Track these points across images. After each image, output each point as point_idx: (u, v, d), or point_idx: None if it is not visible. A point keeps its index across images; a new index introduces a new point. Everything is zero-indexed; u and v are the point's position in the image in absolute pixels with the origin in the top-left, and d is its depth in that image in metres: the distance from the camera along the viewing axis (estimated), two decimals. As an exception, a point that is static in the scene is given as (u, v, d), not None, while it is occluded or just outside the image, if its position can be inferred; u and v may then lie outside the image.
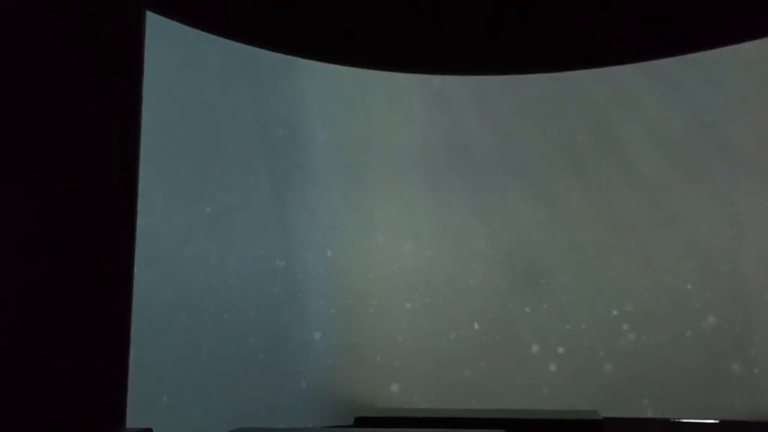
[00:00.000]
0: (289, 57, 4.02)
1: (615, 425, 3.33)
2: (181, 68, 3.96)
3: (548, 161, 4.25)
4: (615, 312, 4.11)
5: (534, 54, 4.03)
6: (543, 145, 4.26)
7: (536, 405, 3.99)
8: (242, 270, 4.03)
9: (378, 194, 4.31)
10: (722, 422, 3.84)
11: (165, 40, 3.81)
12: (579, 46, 3.95)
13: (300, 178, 4.19)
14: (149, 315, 3.41)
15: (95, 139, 2.17)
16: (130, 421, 2.25)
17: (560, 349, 4.13)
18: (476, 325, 4.24)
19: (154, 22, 2.50)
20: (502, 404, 4.00)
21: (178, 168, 3.96)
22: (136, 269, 2.34)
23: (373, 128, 4.32)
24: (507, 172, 4.24)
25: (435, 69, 4.19)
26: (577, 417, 3.28)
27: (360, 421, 3.38)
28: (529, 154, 4.31)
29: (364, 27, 3.84)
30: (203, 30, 3.80)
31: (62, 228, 2.08)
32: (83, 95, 2.14)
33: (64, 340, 2.07)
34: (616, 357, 4.07)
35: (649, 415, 3.92)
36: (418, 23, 3.77)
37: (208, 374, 3.84)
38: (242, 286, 4.01)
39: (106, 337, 2.18)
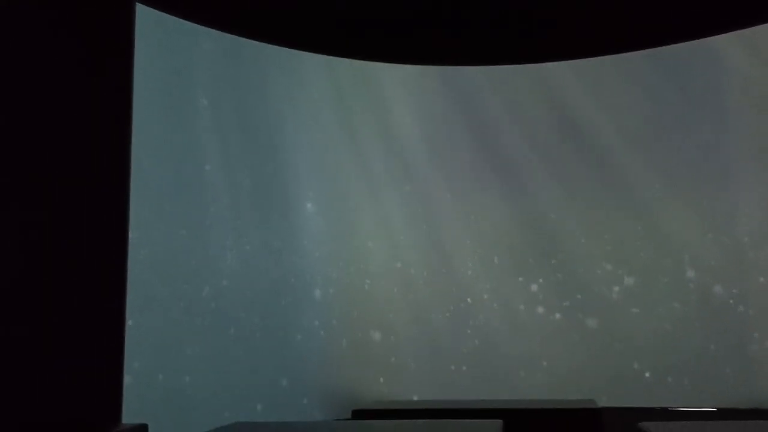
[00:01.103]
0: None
1: (611, 414, 3.33)
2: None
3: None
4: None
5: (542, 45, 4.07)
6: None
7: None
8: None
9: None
10: (720, 410, 3.84)
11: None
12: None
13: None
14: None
15: (85, 134, 2.15)
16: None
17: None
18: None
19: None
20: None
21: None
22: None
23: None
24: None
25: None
26: (574, 406, 3.29)
27: (357, 414, 3.38)
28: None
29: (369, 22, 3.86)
30: (198, 23, 3.79)
31: (56, 226, 2.07)
32: (72, 88, 2.12)
33: (60, 340, 2.05)
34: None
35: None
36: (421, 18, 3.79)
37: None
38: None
39: (100, 336, 2.17)
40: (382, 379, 4.23)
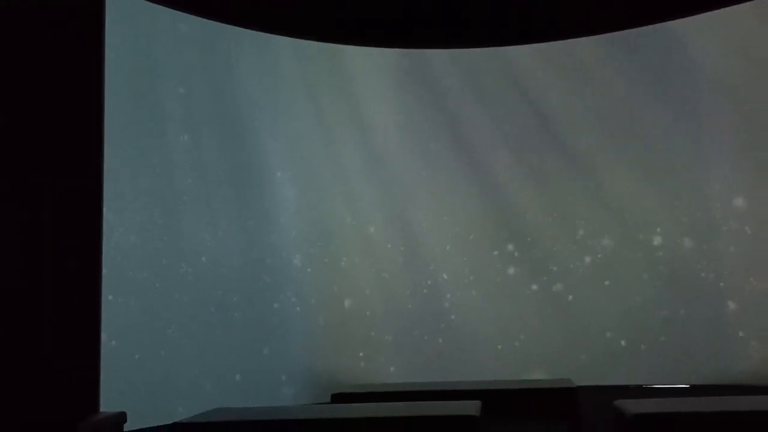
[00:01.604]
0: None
1: (587, 392, 3.38)
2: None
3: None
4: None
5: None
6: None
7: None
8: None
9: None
10: (693, 387, 3.91)
11: None
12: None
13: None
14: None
15: (59, 120, 2.13)
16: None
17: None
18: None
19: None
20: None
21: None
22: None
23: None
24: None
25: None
26: (551, 386, 3.33)
27: (337, 398, 3.39)
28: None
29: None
30: (177, 8, 3.76)
31: (29, 216, 2.05)
32: (45, 77, 2.09)
33: (36, 331, 2.04)
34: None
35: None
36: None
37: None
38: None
39: (76, 326, 2.16)
40: (361, 353, 4.26)
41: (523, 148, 4.35)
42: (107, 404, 2.32)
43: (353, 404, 3.09)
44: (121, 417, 2.25)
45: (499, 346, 4.21)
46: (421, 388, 3.46)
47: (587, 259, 4.23)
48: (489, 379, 3.77)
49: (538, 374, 4.07)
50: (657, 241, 4.12)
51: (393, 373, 4.22)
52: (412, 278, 4.34)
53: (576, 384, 3.36)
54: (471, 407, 2.80)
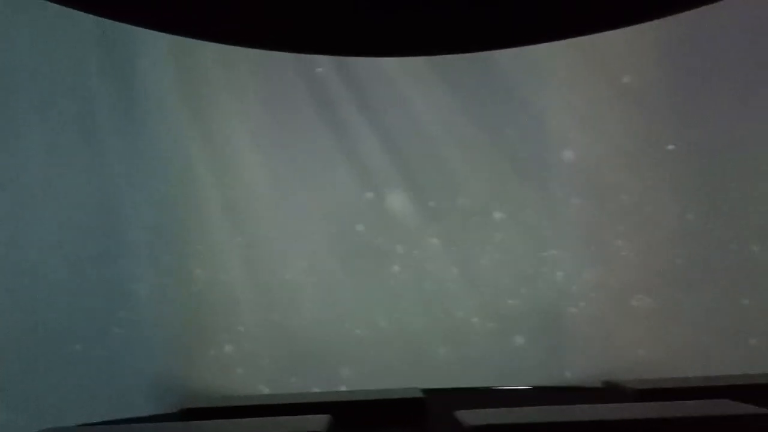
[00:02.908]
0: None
1: (435, 400, 3.49)
2: None
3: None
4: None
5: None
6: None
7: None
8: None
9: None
10: (535, 388, 4.11)
11: None
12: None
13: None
14: None
15: None
16: None
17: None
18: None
19: None
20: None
21: None
22: None
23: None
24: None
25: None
26: (399, 396, 3.42)
27: (186, 413, 3.34)
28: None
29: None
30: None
31: None
32: None
33: None
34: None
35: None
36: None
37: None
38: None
39: None
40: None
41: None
42: None
43: (198, 421, 3.07)
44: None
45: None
46: (273, 401, 3.48)
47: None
48: (343, 390, 3.82)
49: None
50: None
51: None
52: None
53: (426, 387, 3.47)
54: (318, 422, 2.85)
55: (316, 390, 3.88)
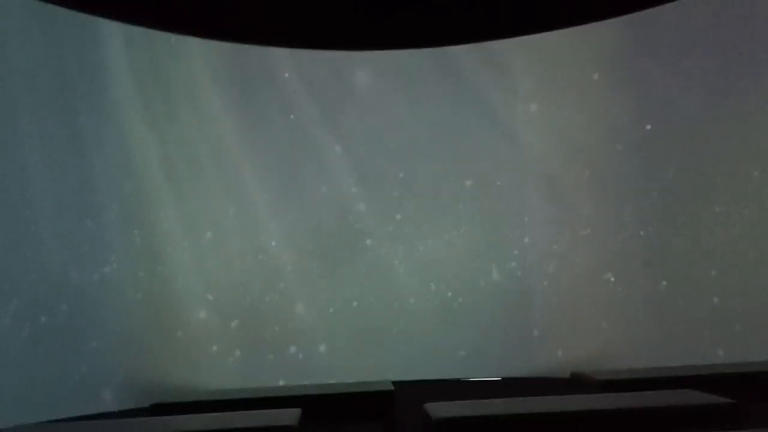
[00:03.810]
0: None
1: (404, 392, 3.52)
2: None
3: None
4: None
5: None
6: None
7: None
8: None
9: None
10: (503, 379, 4.17)
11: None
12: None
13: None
14: None
15: None
16: None
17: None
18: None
19: None
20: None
21: None
22: None
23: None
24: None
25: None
26: (369, 389, 3.45)
27: (156, 408, 3.33)
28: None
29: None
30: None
31: None
32: None
33: None
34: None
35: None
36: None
37: None
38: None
39: None
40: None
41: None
42: None
43: (168, 417, 3.06)
44: None
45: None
46: (243, 395, 3.47)
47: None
48: (314, 383, 3.84)
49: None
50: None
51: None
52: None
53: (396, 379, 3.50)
54: (289, 416, 2.86)
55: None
